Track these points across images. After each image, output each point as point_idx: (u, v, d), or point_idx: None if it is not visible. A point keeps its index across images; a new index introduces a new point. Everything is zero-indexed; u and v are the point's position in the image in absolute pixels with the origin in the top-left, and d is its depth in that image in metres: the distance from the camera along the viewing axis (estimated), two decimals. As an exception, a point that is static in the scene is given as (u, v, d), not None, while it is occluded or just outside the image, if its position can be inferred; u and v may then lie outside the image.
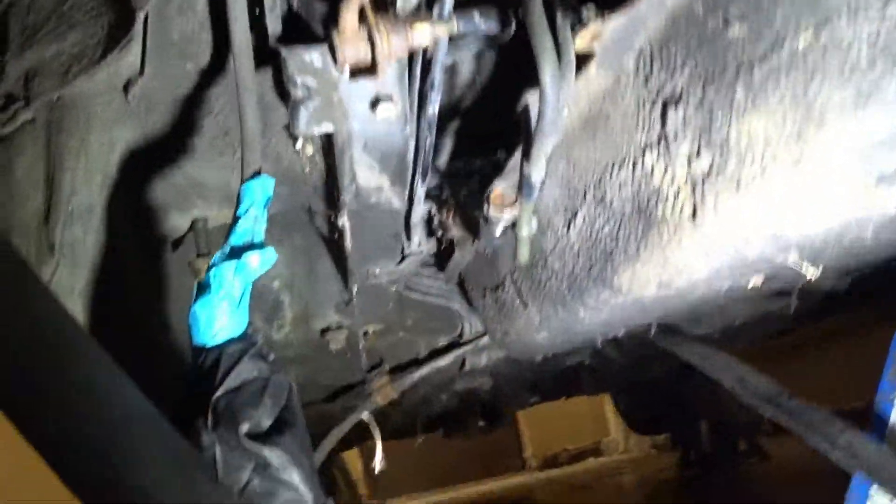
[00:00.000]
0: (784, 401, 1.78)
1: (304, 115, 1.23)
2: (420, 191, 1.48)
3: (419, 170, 1.40)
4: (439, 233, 1.71)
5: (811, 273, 1.09)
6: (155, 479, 0.92)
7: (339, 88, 1.22)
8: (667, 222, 1.08)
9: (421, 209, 1.60)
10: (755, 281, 1.33)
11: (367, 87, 1.22)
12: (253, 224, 1.27)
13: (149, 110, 1.60)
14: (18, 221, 1.55)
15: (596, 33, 1.02)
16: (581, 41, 1.02)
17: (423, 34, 1.07)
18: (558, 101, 0.98)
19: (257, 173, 1.30)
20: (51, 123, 1.60)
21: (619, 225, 1.21)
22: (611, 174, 1.19)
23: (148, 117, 1.61)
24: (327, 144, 1.41)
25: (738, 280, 1.29)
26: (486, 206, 1.23)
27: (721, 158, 0.94)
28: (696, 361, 2.12)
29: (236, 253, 1.24)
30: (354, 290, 1.95)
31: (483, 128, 1.55)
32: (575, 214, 1.33)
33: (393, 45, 1.06)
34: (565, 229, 1.39)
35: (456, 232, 1.64)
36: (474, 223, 1.42)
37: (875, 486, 1.70)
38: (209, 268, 1.23)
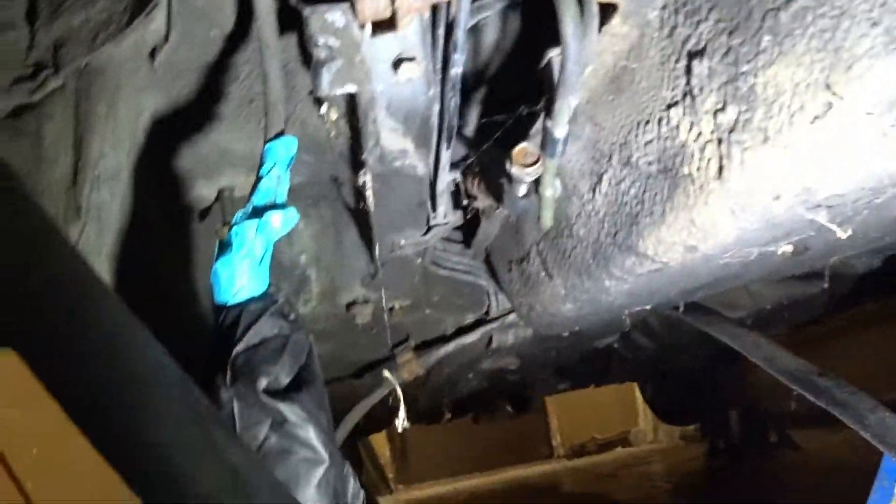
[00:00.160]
0: (814, 378, 1.75)
1: (326, 76, 1.22)
2: (445, 156, 1.47)
3: (444, 134, 1.39)
4: (465, 202, 1.70)
5: (840, 233, 1.06)
6: (172, 433, 0.92)
7: (361, 49, 1.21)
8: (693, 180, 1.06)
9: (446, 177, 1.59)
10: (784, 249, 1.30)
11: (389, 46, 1.21)
12: (276, 184, 1.27)
13: (175, 77, 1.61)
14: (47, 184, 1.57)
15: (620, -16, 1.00)
16: (604, -8, 1.00)
17: (443, -15, 1.06)
18: (580, 53, 0.97)
19: (281, 134, 1.30)
20: (79, 90, 1.62)
21: (645, 186, 1.19)
22: (636, 134, 1.17)
23: (174, 84, 1.62)
24: (351, 107, 1.40)
25: (766, 247, 1.26)
26: (508, 164, 1.21)
27: (747, 110, 0.92)
28: (726, 340, 2.09)
29: (258, 212, 1.24)
30: (379, 261, 1.95)
31: (510, 94, 1.54)
32: (600, 178, 1.32)
33: (412, -3, 1.05)
34: (591, 194, 1.37)
35: (482, 201, 1.63)
36: (498, 187, 1.41)
37: (906, 465, 1.67)
38: (230, 226, 1.23)
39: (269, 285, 1.26)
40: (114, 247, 1.55)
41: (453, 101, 1.31)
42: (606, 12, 1.03)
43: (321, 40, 1.20)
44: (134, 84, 1.59)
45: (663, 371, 5.03)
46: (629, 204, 1.25)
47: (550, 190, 1.27)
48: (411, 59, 1.22)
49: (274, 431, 1.10)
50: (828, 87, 0.82)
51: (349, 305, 2.28)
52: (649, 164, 1.16)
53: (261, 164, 1.29)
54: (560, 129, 1.08)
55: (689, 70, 1.00)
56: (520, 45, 1.46)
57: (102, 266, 1.50)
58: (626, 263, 1.36)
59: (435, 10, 1.14)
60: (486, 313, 2.52)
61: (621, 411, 8.12)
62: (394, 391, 2.50)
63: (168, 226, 1.80)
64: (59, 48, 1.67)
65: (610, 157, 1.27)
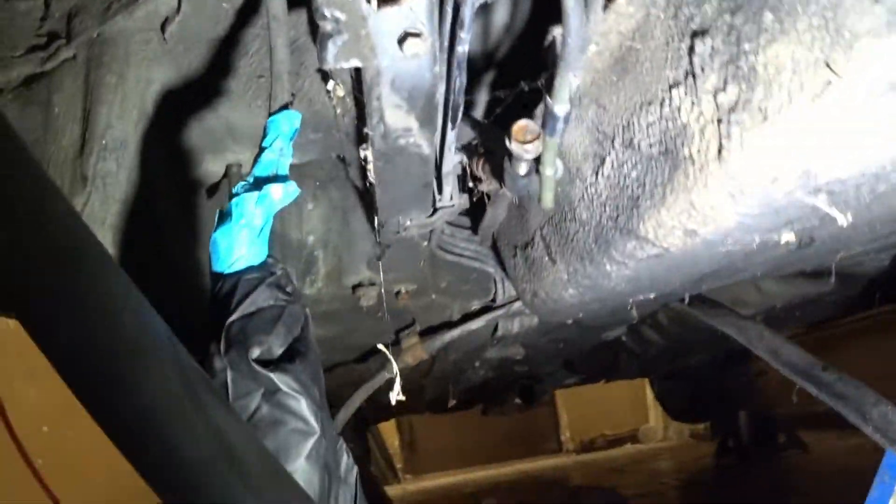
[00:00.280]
0: (817, 372, 1.73)
1: (332, 48, 1.22)
2: (450, 136, 1.47)
3: (449, 113, 1.39)
4: (471, 184, 1.69)
5: (842, 219, 1.05)
6: (157, 398, 0.92)
7: (367, 23, 1.20)
8: (693, 162, 1.05)
9: (452, 158, 1.59)
10: (787, 238, 1.29)
11: (395, 21, 1.21)
12: (278, 156, 1.27)
13: (185, 50, 1.62)
14: (55, 153, 1.58)
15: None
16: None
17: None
18: (581, 27, 0.96)
19: (285, 107, 1.30)
20: (90, 60, 1.63)
21: (646, 169, 1.18)
22: (639, 116, 1.17)
23: (184, 57, 1.63)
24: (356, 83, 1.40)
25: (768, 234, 1.25)
26: (507, 140, 1.21)
27: (747, 90, 0.91)
28: (730, 331, 2.08)
29: (259, 184, 1.24)
30: (385, 242, 1.95)
31: (519, 76, 1.53)
32: (603, 161, 1.31)
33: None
34: (594, 177, 1.36)
35: (487, 184, 1.62)
36: (501, 168, 1.40)
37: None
38: (231, 196, 1.24)
39: (269, 257, 1.26)
40: (119, 217, 1.56)
41: (458, 80, 1.30)
42: (610, -11, 1.02)
43: (327, 12, 1.19)
44: (144, 55, 1.60)
45: (673, 369, 5.02)
46: (630, 187, 1.24)
47: (551, 169, 1.26)
48: (417, 35, 1.21)
49: (265, 401, 1.10)
50: (827, 65, 0.81)
51: (355, 288, 2.28)
52: (651, 146, 1.15)
53: (264, 136, 1.29)
54: (560, 107, 1.07)
55: (692, 50, 0.99)
56: (530, 26, 1.46)
57: (106, 235, 1.51)
58: (627, 247, 1.35)
59: (443, -15, 1.14)
60: (493, 300, 2.51)
61: (632, 408, 8.12)
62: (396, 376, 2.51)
63: (176, 198, 1.81)
64: (73, 18, 1.68)
65: (613, 140, 1.26)
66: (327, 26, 1.20)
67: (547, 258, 1.70)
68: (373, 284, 2.28)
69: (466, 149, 1.63)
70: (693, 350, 4.14)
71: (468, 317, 2.56)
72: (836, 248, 1.66)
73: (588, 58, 1.23)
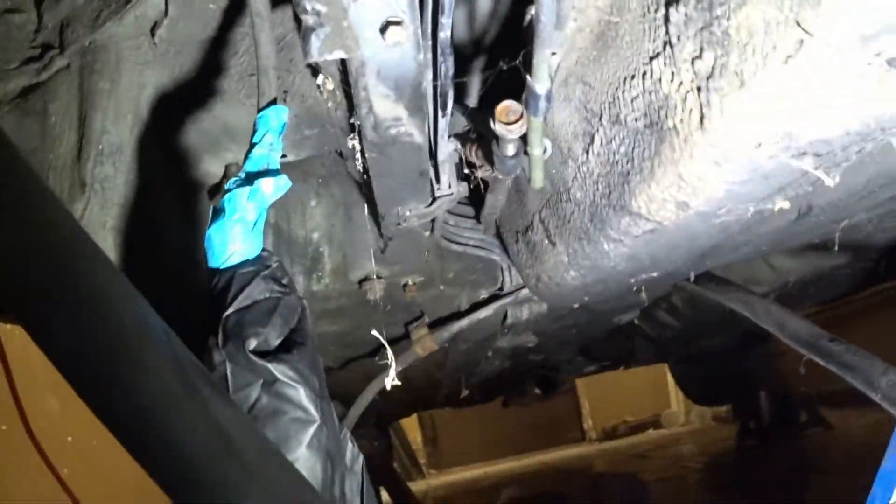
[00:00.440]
0: (824, 343, 1.73)
1: (315, 42, 1.22)
2: (442, 123, 1.47)
3: (438, 100, 1.39)
4: (468, 171, 1.70)
5: (828, 181, 1.05)
6: (163, 394, 0.93)
7: (348, 14, 1.21)
8: (677, 133, 1.05)
9: (446, 145, 1.59)
10: (781, 205, 1.28)
11: (376, 10, 1.21)
12: (268, 151, 1.29)
13: (176, 53, 1.63)
14: (53, 160, 1.60)
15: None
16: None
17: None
18: (553, 2, 0.96)
19: (273, 102, 1.31)
20: (83, 68, 1.65)
21: (634, 143, 1.18)
22: (623, 91, 1.17)
23: (175, 60, 1.64)
24: (343, 75, 1.40)
25: (762, 203, 1.25)
26: (492, 122, 1.21)
27: (723, 55, 0.91)
28: (737, 307, 2.07)
29: (251, 179, 1.25)
30: (387, 234, 1.96)
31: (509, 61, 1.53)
32: (592, 139, 1.31)
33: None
34: (585, 156, 1.36)
35: (482, 170, 1.63)
36: (490, 151, 1.41)
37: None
38: (224, 192, 1.25)
39: (263, 250, 1.27)
40: (118, 220, 1.57)
41: (445, 66, 1.30)
42: (584, -37, 1.02)
43: (309, 6, 1.20)
44: (135, 60, 1.62)
45: (691, 352, 5.00)
46: (620, 163, 1.24)
47: (538, 149, 1.26)
48: (398, 23, 1.22)
49: (265, 392, 1.11)
50: (798, 24, 0.81)
51: (361, 282, 2.29)
52: (636, 119, 1.15)
53: (253, 132, 1.30)
54: (540, 85, 1.07)
55: (667, 19, 0.99)
56: (516, 8, 1.45)
57: (107, 238, 1.53)
58: (622, 224, 1.35)
59: (421, -29, 1.15)
60: (500, 288, 2.52)
61: (653, 394, 8.10)
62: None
63: (176, 200, 1.82)
64: (65, 28, 1.70)
65: (600, 117, 1.26)
66: (309, 20, 1.21)
67: (547, 241, 1.71)
68: (379, 278, 2.29)
69: (460, 136, 1.63)
70: (708, 332, 4.12)
71: (477, 306, 2.56)
72: (838, 216, 1.65)
73: (569, 35, 1.24)
